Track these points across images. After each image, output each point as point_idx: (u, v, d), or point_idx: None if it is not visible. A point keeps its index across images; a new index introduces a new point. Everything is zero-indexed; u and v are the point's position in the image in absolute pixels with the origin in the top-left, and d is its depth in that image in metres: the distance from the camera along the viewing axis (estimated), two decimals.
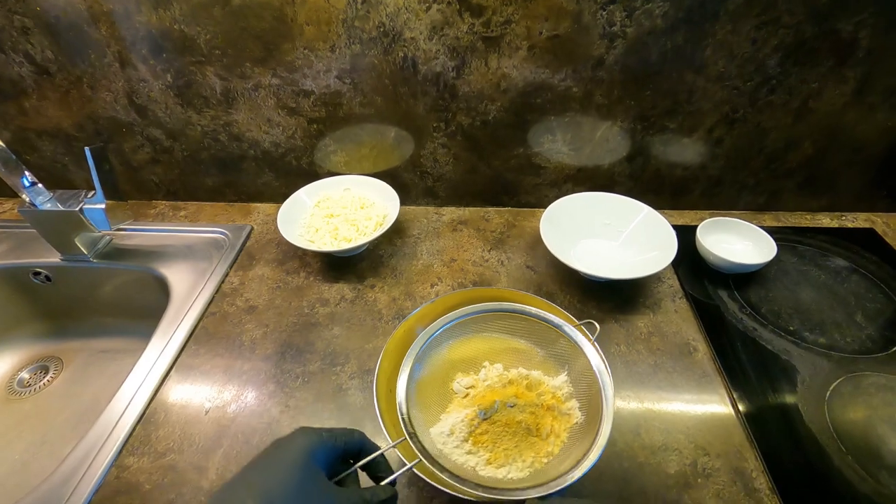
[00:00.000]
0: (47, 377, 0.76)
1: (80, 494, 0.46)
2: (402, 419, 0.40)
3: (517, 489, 0.37)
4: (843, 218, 0.77)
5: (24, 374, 0.77)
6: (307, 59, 0.65)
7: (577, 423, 0.44)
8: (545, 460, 0.42)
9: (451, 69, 0.65)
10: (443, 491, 0.39)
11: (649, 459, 0.48)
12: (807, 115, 0.66)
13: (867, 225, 0.76)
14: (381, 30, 0.62)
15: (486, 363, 0.50)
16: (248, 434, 0.51)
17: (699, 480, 0.46)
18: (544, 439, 0.43)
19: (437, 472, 0.37)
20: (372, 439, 0.38)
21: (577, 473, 0.37)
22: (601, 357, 0.45)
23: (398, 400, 0.42)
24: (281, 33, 0.63)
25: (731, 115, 0.67)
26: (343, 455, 0.35)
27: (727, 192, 0.76)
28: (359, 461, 0.36)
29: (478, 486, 0.37)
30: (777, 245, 0.65)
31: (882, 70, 0.62)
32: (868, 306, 0.62)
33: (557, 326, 0.48)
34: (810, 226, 0.76)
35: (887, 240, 0.72)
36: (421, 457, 0.37)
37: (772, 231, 0.68)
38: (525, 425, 0.43)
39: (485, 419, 0.43)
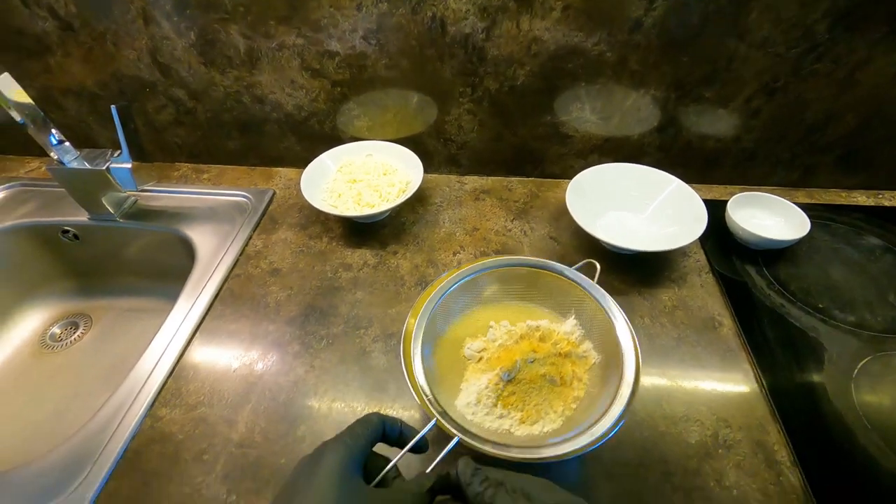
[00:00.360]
0: (77, 332, 0.78)
1: (118, 441, 0.48)
2: (429, 401, 0.40)
3: (558, 443, 0.38)
4: (881, 196, 0.75)
5: (56, 329, 0.79)
6: (333, 18, 0.63)
7: (595, 363, 0.46)
8: (574, 406, 0.43)
9: (480, 30, 0.63)
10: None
11: (670, 429, 0.48)
12: (852, 86, 0.63)
13: None
14: None
15: (492, 323, 0.50)
16: (274, 391, 0.53)
17: (720, 451, 0.46)
18: (569, 385, 0.44)
19: (478, 445, 0.37)
20: (395, 402, 0.38)
21: (617, 409, 0.39)
22: (608, 296, 0.47)
23: (419, 383, 0.41)
24: None
25: (772, 84, 0.64)
26: (373, 446, 0.34)
27: (760, 166, 0.74)
28: (387, 442, 0.35)
29: (523, 447, 0.37)
30: (810, 222, 0.63)
31: None
32: None
33: (559, 272, 0.49)
34: (845, 203, 0.74)
35: None
36: (459, 434, 0.37)
37: (805, 208, 0.66)
38: (549, 377, 0.44)
39: (510, 381, 0.44)
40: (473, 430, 0.39)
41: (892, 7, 0.56)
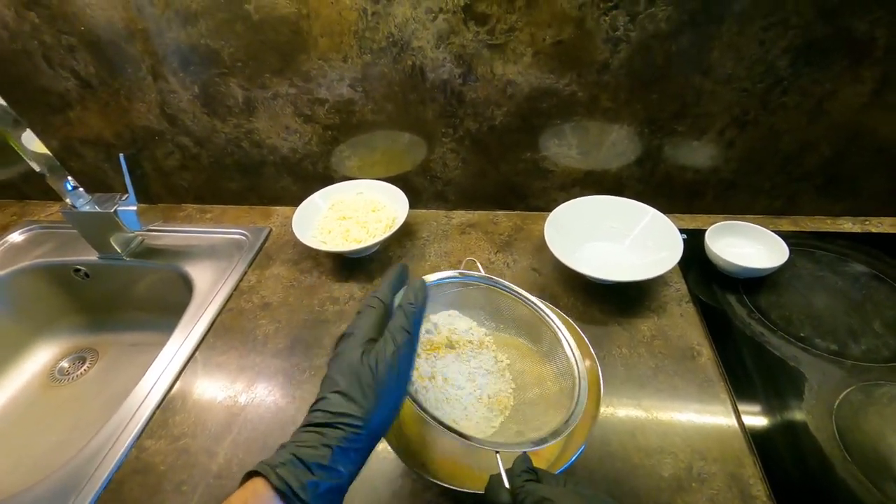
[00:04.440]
0: (84, 366, 0.82)
1: (103, 471, 0.50)
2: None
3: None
4: (867, 223, 0.74)
5: (65, 363, 0.83)
6: (321, 70, 0.69)
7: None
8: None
9: (457, 76, 0.67)
10: (435, 483, 0.40)
11: (644, 462, 0.48)
12: (822, 116, 0.65)
13: (893, 230, 0.72)
14: (391, 40, 0.64)
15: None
16: (256, 422, 0.54)
17: (693, 485, 0.46)
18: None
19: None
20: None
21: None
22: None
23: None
24: (297, 45, 0.67)
25: (742, 117, 0.66)
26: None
27: (741, 195, 0.75)
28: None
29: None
30: (792, 249, 0.63)
31: None
32: (888, 314, 0.59)
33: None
34: (831, 230, 0.73)
35: None
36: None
37: (789, 236, 0.66)
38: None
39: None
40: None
41: (849, 41, 0.58)
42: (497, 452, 0.35)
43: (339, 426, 0.30)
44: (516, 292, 0.47)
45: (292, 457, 0.29)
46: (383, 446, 0.50)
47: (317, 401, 0.32)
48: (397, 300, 0.38)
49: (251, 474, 0.29)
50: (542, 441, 0.37)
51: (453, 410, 0.43)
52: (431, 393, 0.42)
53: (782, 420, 0.49)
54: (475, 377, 0.46)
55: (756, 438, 0.48)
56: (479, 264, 0.50)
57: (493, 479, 0.33)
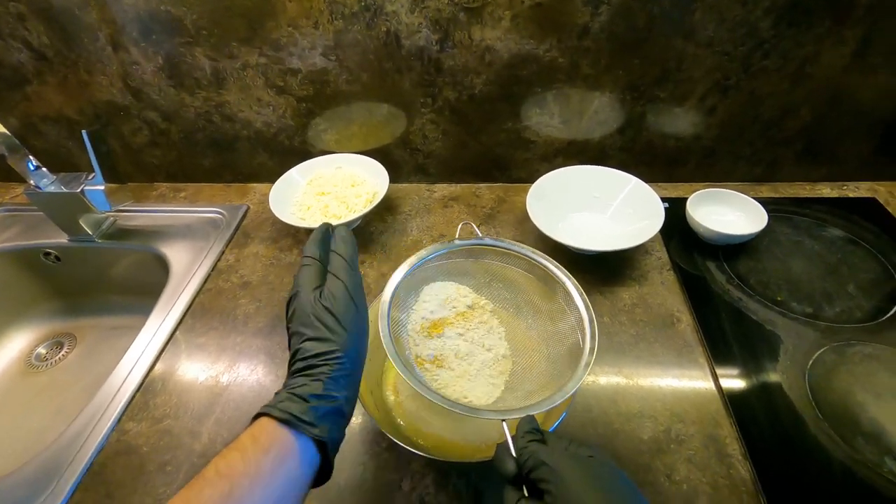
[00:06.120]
0: (62, 352, 0.80)
1: (84, 454, 0.49)
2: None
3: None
4: (845, 188, 0.75)
5: (41, 350, 0.81)
6: (292, 37, 0.66)
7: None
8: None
9: (434, 42, 0.64)
10: (418, 454, 0.40)
11: (624, 426, 0.49)
12: (804, 80, 0.64)
13: (870, 194, 0.73)
14: (363, 4, 0.62)
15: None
16: (238, 402, 0.54)
17: (672, 446, 0.47)
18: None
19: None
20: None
21: None
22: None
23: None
24: (264, 11, 0.63)
25: (724, 82, 0.65)
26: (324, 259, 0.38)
27: (722, 162, 0.75)
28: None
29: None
30: (771, 216, 0.64)
31: (884, 29, 0.59)
32: (862, 276, 0.61)
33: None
34: (809, 196, 0.74)
35: (889, 209, 0.70)
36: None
37: (768, 202, 0.66)
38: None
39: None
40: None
41: (832, 1, 0.57)
42: (503, 421, 0.35)
43: (321, 364, 0.32)
44: (518, 248, 0.48)
45: (289, 394, 0.31)
46: (367, 419, 0.50)
47: (292, 355, 0.34)
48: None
49: (255, 418, 0.31)
50: (549, 401, 0.37)
51: (461, 384, 0.43)
52: (442, 374, 0.43)
53: (758, 382, 0.51)
54: (478, 346, 0.46)
55: (732, 400, 0.49)
56: (475, 227, 0.49)
57: (500, 447, 0.33)
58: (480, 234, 0.49)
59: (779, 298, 0.59)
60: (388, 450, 0.48)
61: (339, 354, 0.32)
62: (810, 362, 0.52)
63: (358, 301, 0.36)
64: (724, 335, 0.55)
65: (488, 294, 0.50)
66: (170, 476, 0.48)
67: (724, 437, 0.47)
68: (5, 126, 0.64)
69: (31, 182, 0.69)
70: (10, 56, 0.71)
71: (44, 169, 0.69)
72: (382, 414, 0.48)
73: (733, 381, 0.51)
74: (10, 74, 0.73)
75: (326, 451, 0.31)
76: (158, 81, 0.72)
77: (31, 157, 0.68)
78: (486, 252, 0.49)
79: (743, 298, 0.59)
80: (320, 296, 0.34)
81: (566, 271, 0.46)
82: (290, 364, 0.34)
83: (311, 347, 0.32)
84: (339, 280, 0.35)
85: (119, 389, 0.56)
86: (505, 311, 0.50)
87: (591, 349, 0.40)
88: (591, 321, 0.42)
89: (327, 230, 0.40)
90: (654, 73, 0.65)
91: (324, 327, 0.33)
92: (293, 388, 0.31)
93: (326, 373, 0.32)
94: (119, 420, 0.53)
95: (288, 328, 0.35)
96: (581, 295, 0.44)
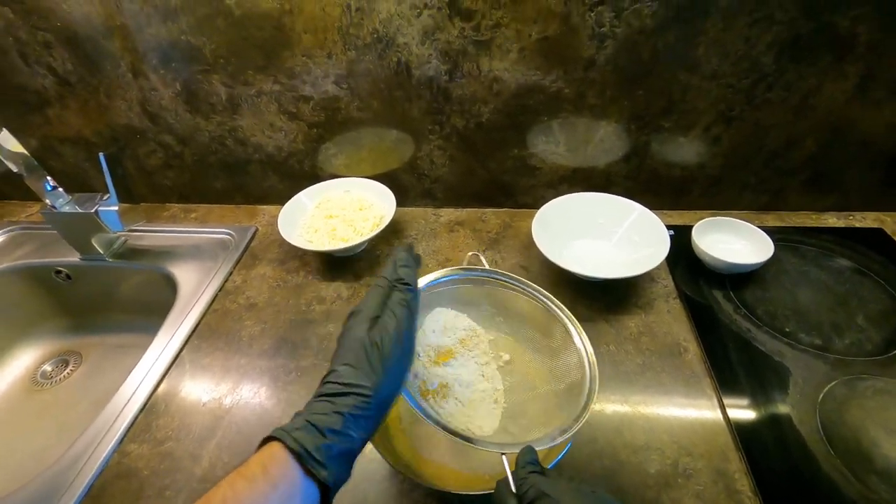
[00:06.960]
0: (67, 370, 0.81)
1: (84, 477, 0.49)
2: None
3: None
4: (851, 217, 0.75)
5: (47, 367, 0.81)
6: (305, 66, 0.68)
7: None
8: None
9: (443, 73, 0.66)
10: (419, 485, 0.40)
11: (630, 458, 0.48)
12: (807, 111, 0.65)
13: (876, 224, 0.73)
14: (375, 36, 0.64)
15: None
16: (240, 425, 0.53)
17: (679, 480, 0.46)
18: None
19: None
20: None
21: None
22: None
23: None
24: (280, 42, 0.66)
25: (728, 113, 0.66)
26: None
27: (728, 191, 0.75)
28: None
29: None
30: (777, 245, 0.63)
31: (885, 65, 0.60)
32: (871, 308, 0.60)
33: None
34: (815, 226, 0.74)
35: None
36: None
37: (774, 231, 0.66)
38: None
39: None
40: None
41: (832, 37, 0.58)
42: (503, 455, 0.35)
43: (350, 395, 0.32)
44: (523, 285, 0.47)
45: (306, 423, 0.30)
46: (369, 448, 0.49)
47: (328, 373, 0.34)
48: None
49: (267, 440, 0.31)
50: (550, 438, 0.37)
51: (465, 413, 0.43)
52: (447, 404, 0.43)
53: (767, 415, 0.50)
54: (479, 378, 0.46)
55: (741, 433, 0.48)
56: (482, 258, 0.50)
57: (500, 484, 0.33)
58: (486, 265, 0.49)
59: (787, 329, 0.58)
60: (388, 478, 0.48)
61: (368, 393, 0.32)
62: (821, 396, 0.51)
63: (406, 346, 0.35)
64: (731, 366, 0.55)
65: (490, 324, 0.50)
66: (168, 502, 0.47)
67: (732, 471, 0.46)
68: (25, 147, 0.67)
69: (48, 202, 0.71)
70: (34, 81, 0.74)
71: (60, 189, 0.71)
72: (383, 441, 0.48)
73: (742, 413, 0.50)
74: (33, 98, 0.76)
75: (328, 494, 0.30)
76: (175, 106, 0.74)
77: (48, 178, 0.70)
78: (489, 282, 0.49)
79: (751, 329, 0.58)
80: (375, 327, 0.34)
81: (568, 312, 0.46)
82: (323, 379, 0.33)
83: (346, 374, 0.32)
84: (394, 318, 0.35)
85: (122, 409, 0.56)
86: (507, 342, 0.50)
87: (592, 391, 0.40)
88: (590, 369, 0.41)
89: (409, 251, 0.40)
90: (659, 104, 0.66)
91: (365, 360, 0.33)
92: (314, 412, 0.31)
93: (350, 408, 0.31)
94: (121, 441, 0.53)
95: (339, 340, 0.35)
96: (581, 334, 0.44)
